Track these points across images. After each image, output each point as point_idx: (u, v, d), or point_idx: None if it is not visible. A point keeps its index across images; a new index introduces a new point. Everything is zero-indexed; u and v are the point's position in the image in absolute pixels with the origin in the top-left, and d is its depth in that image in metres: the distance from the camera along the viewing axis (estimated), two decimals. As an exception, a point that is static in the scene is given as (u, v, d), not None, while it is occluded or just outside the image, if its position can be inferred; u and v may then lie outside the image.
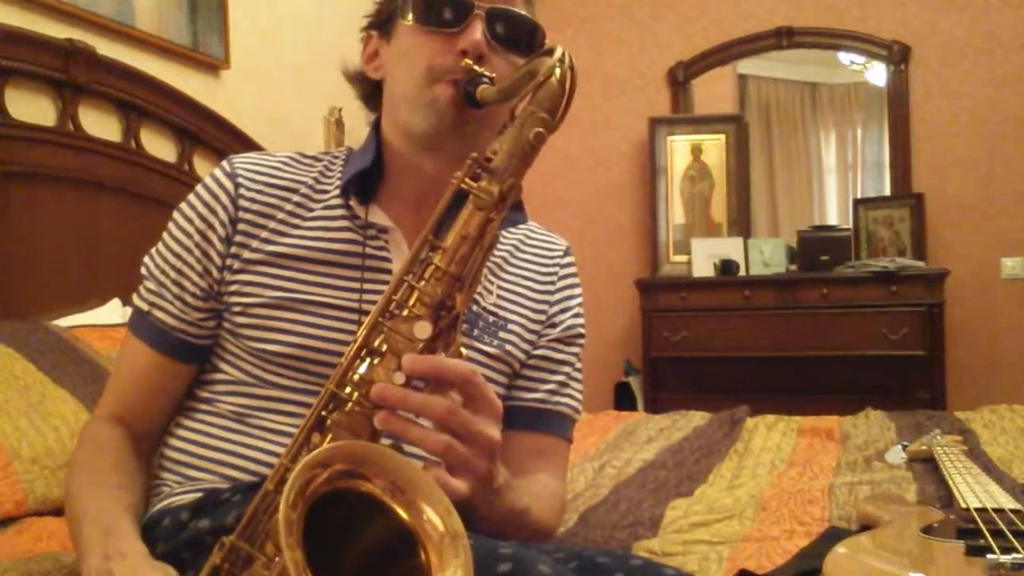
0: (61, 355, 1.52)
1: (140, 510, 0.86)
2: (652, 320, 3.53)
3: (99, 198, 2.03)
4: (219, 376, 0.91)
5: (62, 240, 1.93)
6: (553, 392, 1.00)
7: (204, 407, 0.91)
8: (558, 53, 0.74)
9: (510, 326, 0.96)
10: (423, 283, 0.71)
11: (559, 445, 1.01)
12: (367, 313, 0.85)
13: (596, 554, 0.76)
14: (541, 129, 0.72)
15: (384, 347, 0.70)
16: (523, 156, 0.72)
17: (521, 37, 0.89)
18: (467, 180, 0.73)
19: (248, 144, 2.46)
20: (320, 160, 0.97)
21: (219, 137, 2.40)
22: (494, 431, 0.72)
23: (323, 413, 0.69)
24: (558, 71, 0.72)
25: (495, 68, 0.85)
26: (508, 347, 0.95)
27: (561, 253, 1.06)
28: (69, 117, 1.98)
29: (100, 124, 2.08)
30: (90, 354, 1.57)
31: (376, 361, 0.70)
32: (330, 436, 0.68)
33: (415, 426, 0.69)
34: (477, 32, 0.85)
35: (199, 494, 0.85)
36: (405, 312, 0.71)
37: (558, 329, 1.01)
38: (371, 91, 0.98)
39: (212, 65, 2.52)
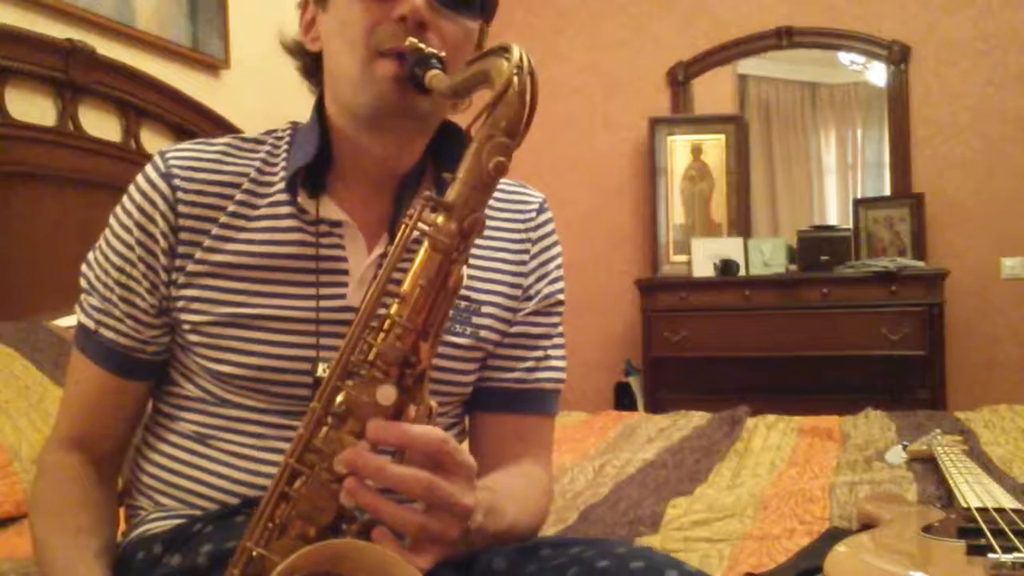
0: (61, 355, 1.52)
1: (111, 550, 0.82)
2: (652, 320, 3.52)
3: (99, 198, 2.03)
4: (179, 391, 0.86)
5: (62, 240, 1.93)
6: (532, 369, 0.92)
7: (169, 424, 0.86)
8: (515, 56, 0.65)
9: (484, 309, 0.88)
10: (382, 337, 0.64)
11: (542, 423, 0.94)
12: (325, 322, 0.80)
13: (595, 557, 0.73)
14: (502, 158, 0.64)
15: (346, 412, 0.64)
16: (483, 187, 0.65)
17: None
18: (421, 221, 0.65)
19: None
20: (262, 144, 0.88)
21: (219, 137, 2.40)
22: (469, 498, 0.66)
23: (285, 488, 0.65)
24: (516, 81, 0.64)
25: (441, 34, 0.78)
26: (483, 332, 0.88)
27: (534, 211, 0.95)
28: (69, 117, 1.98)
29: (100, 124, 2.08)
30: (90, 354, 1.57)
31: (338, 428, 0.64)
32: (294, 511, 0.64)
33: (385, 502, 0.62)
34: None
35: (171, 523, 0.82)
36: (365, 372, 0.64)
37: (534, 301, 0.92)
38: (311, 65, 0.89)
39: (212, 65, 2.52)
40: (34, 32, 1.89)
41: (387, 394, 0.63)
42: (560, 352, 0.95)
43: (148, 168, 0.85)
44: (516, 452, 0.90)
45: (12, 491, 1.23)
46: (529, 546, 0.79)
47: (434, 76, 0.72)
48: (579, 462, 1.68)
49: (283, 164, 0.85)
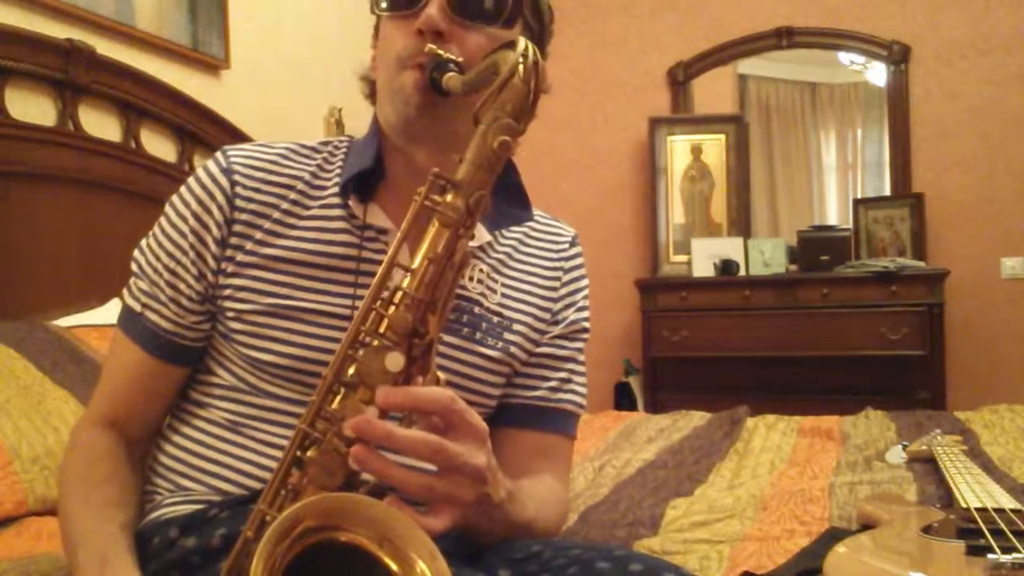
0: (61, 355, 1.52)
1: (135, 525, 0.84)
2: (652, 320, 3.53)
3: (99, 198, 2.03)
4: (214, 379, 0.89)
5: (62, 240, 1.93)
6: (555, 389, 0.96)
7: (198, 412, 0.89)
8: (520, 47, 0.70)
9: (515, 326, 0.93)
10: (392, 310, 0.68)
11: (562, 443, 0.98)
12: None
13: (596, 557, 0.75)
14: (506, 138, 0.69)
15: (357, 380, 0.67)
16: (489, 167, 0.69)
17: (487, 6, 0.84)
18: (431, 196, 0.70)
19: (248, 144, 2.45)
20: (319, 152, 0.93)
21: (219, 137, 2.40)
22: (480, 458, 0.68)
23: (297, 453, 0.67)
24: (521, 68, 0.69)
25: (463, 44, 0.82)
26: (512, 349, 0.92)
27: (567, 245, 1.02)
28: (69, 117, 1.98)
29: (100, 124, 2.08)
30: (90, 354, 1.57)
31: (349, 396, 0.67)
32: (307, 477, 0.66)
33: (394, 466, 0.65)
34: (431, 7, 0.81)
35: (189, 507, 0.84)
36: (376, 342, 0.67)
37: (561, 325, 0.98)
38: (372, 88, 0.95)
39: (212, 65, 2.52)
40: (34, 32, 1.89)
41: (395, 360, 0.66)
42: (582, 379, 1.00)
43: (210, 163, 0.89)
44: (537, 468, 0.93)
45: (12, 491, 1.23)
46: (530, 552, 0.80)
47: (450, 78, 0.77)
48: (579, 462, 1.68)
49: (338, 171, 0.90)
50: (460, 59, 0.79)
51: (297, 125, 2.87)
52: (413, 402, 0.66)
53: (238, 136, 2.46)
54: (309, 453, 0.67)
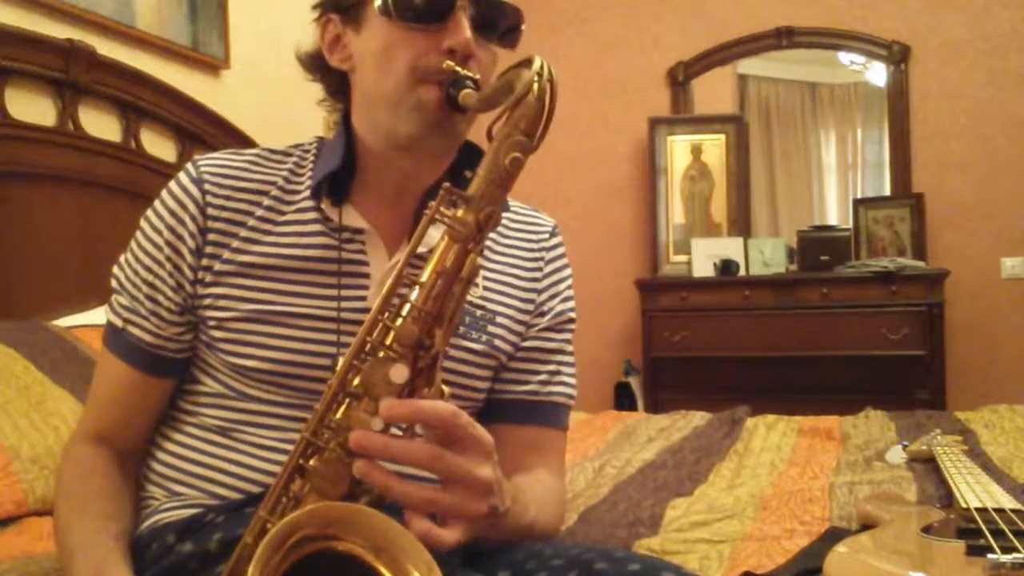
0: (61, 355, 1.52)
1: (130, 536, 0.85)
2: (652, 320, 3.52)
3: (99, 198, 2.03)
4: (201, 388, 0.89)
5: (62, 240, 1.93)
6: (545, 382, 0.96)
7: (188, 419, 0.89)
8: (536, 65, 0.70)
9: (498, 319, 0.92)
10: (399, 322, 0.68)
11: (554, 436, 0.98)
12: (345, 322, 0.84)
13: (595, 558, 0.75)
14: (518, 154, 0.69)
15: (361, 390, 0.67)
16: (500, 183, 0.69)
17: (504, 27, 0.85)
18: (441, 210, 0.69)
19: (248, 144, 2.46)
20: (290, 156, 0.92)
21: (219, 137, 2.40)
22: (485, 470, 0.68)
23: (300, 461, 0.67)
24: (536, 86, 0.69)
25: (480, 62, 0.82)
26: (496, 342, 0.92)
27: (547, 235, 1.00)
28: (69, 117, 1.98)
29: (100, 124, 2.08)
30: (90, 354, 1.57)
31: (353, 406, 0.67)
32: (309, 485, 0.66)
33: (396, 480, 0.65)
34: (466, 29, 0.80)
35: (186, 512, 0.84)
36: (381, 353, 0.67)
37: (547, 317, 0.97)
38: (335, 80, 0.92)
39: (212, 65, 2.52)
40: (34, 32, 1.89)
41: (400, 372, 0.66)
42: (571, 369, 1.00)
43: (181, 174, 0.89)
44: (530, 463, 0.93)
45: (12, 491, 1.23)
46: (530, 551, 0.80)
47: (466, 95, 0.77)
48: (579, 462, 1.68)
49: (309, 173, 0.90)
50: (476, 76, 0.79)
51: (297, 125, 2.86)
52: (416, 414, 0.66)
53: (238, 136, 2.46)
54: (312, 462, 0.67)
